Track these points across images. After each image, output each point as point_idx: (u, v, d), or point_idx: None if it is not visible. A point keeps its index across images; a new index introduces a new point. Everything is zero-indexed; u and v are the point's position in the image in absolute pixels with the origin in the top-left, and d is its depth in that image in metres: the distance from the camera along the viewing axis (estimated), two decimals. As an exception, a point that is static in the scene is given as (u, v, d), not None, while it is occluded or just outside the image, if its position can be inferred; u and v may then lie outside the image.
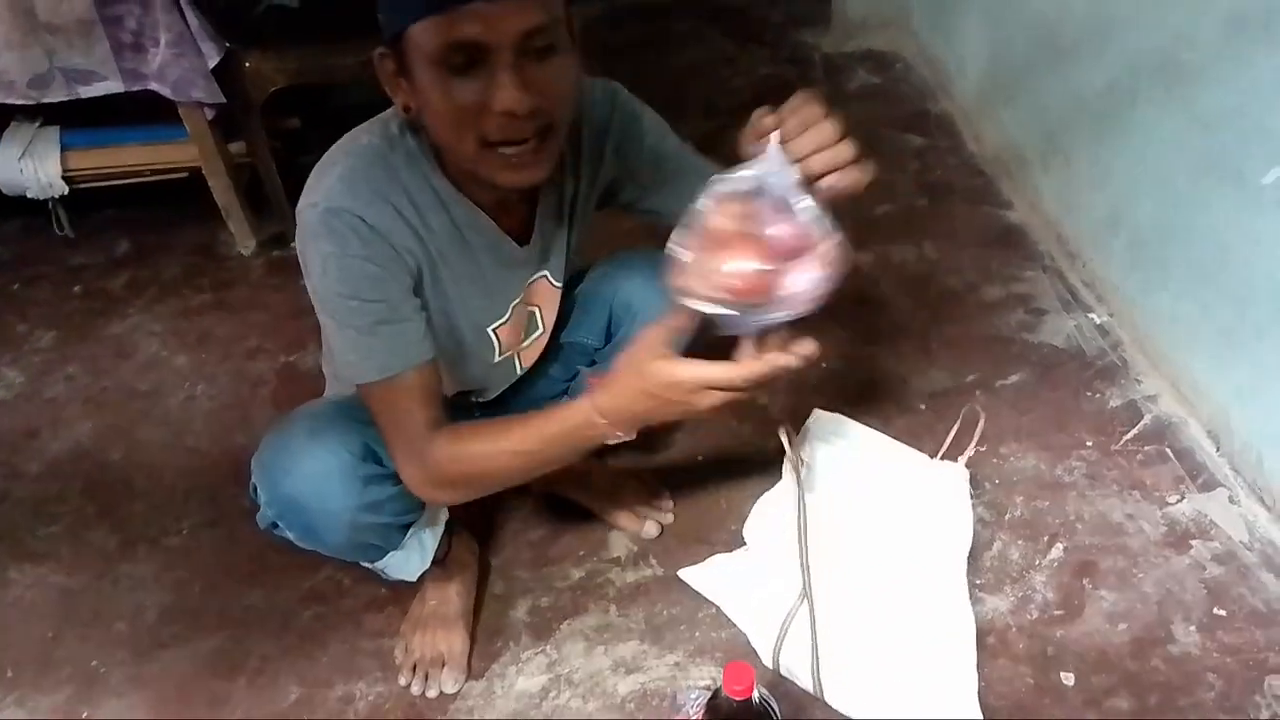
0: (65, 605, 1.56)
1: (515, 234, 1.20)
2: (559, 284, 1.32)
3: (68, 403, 1.96)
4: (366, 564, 1.34)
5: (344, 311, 1.07)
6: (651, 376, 0.98)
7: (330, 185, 1.04)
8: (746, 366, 0.96)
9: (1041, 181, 2.18)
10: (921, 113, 2.69)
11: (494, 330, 1.27)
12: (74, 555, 1.64)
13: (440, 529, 1.37)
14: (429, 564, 1.36)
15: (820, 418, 1.53)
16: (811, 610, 1.29)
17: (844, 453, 1.48)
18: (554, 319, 1.37)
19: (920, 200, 2.33)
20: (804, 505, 1.33)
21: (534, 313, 1.33)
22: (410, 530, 1.31)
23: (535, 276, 1.28)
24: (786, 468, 1.41)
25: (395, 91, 1.04)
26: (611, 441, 1.07)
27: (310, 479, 1.15)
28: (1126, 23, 1.76)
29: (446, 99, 0.97)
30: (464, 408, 1.41)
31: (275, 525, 1.23)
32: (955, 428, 1.46)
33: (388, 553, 1.31)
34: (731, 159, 0.95)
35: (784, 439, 1.28)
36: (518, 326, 1.31)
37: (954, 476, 1.41)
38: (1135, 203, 1.80)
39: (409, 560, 1.34)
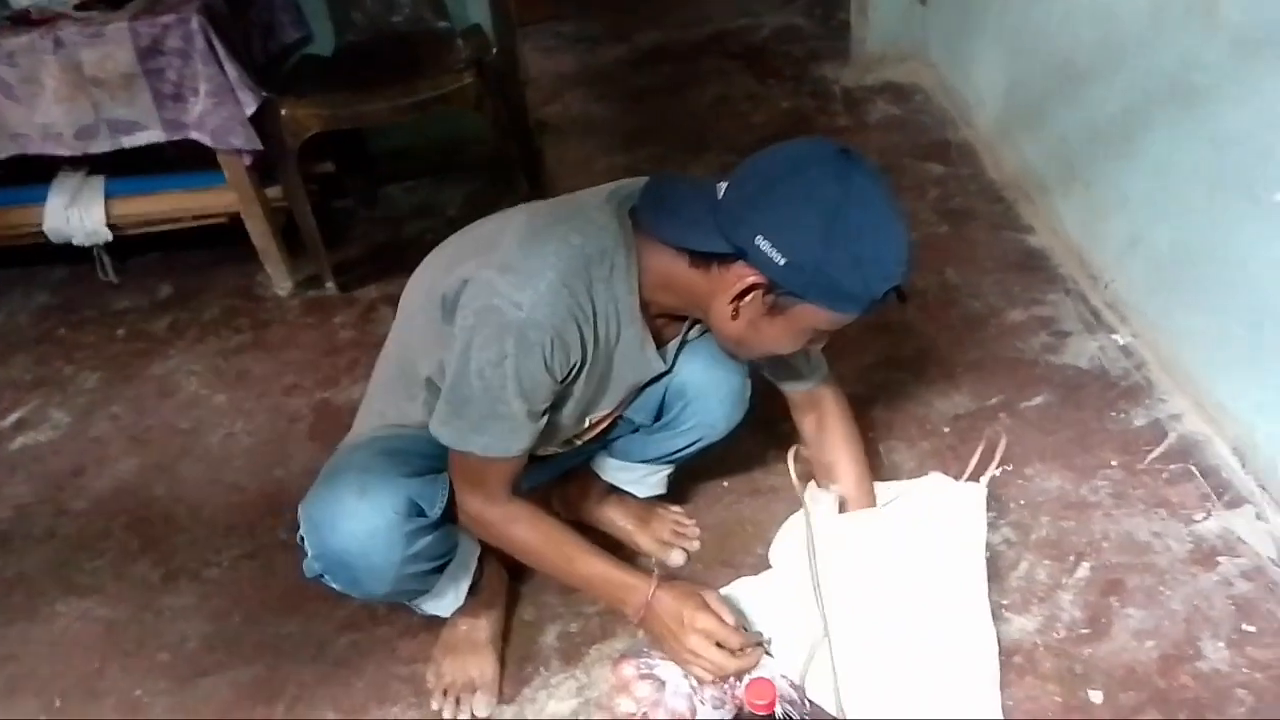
0: (110, 637, 1.61)
1: (660, 346, 1.27)
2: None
3: (112, 441, 2.02)
4: (403, 602, 1.38)
5: (490, 394, 1.12)
6: (688, 623, 1.23)
7: (539, 295, 1.08)
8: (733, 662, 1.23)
9: (1061, 206, 2.19)
10: (941, 141, 2.73)
11: (592, 418, 1.32)
12: (118, 588, 1.69)
13: (473, 567, 1.40)
14: (462, 601, 1.39)
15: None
16: (827, 633, 1.30)
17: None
18: None
19: (941, 227, 2.35)
20: (812, 531, 1.34)
21: None
22: (446, 571, 1.34)
23: (652, 378, 1.33)
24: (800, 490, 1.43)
25: (733, 306, 1.11)
26: (628, 617, 1.29)
27: (357, 537, 1.19)
28: (1136, 48, 1.79)
29: (780, 346, 1.17)
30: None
31: (321, 576, 1.26)
32: (979, 451, 1.47)
33: (424, 593, 1.34)
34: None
35: (790, 466, 1.34)
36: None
37: (970, 495, 1.42)
38: (1154, 225, 1.82)
39: (443, 598, 1.37)
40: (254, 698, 1.48)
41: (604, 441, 1.53)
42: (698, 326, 1.32)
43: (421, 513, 1.23)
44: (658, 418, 1.47)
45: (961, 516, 1.39)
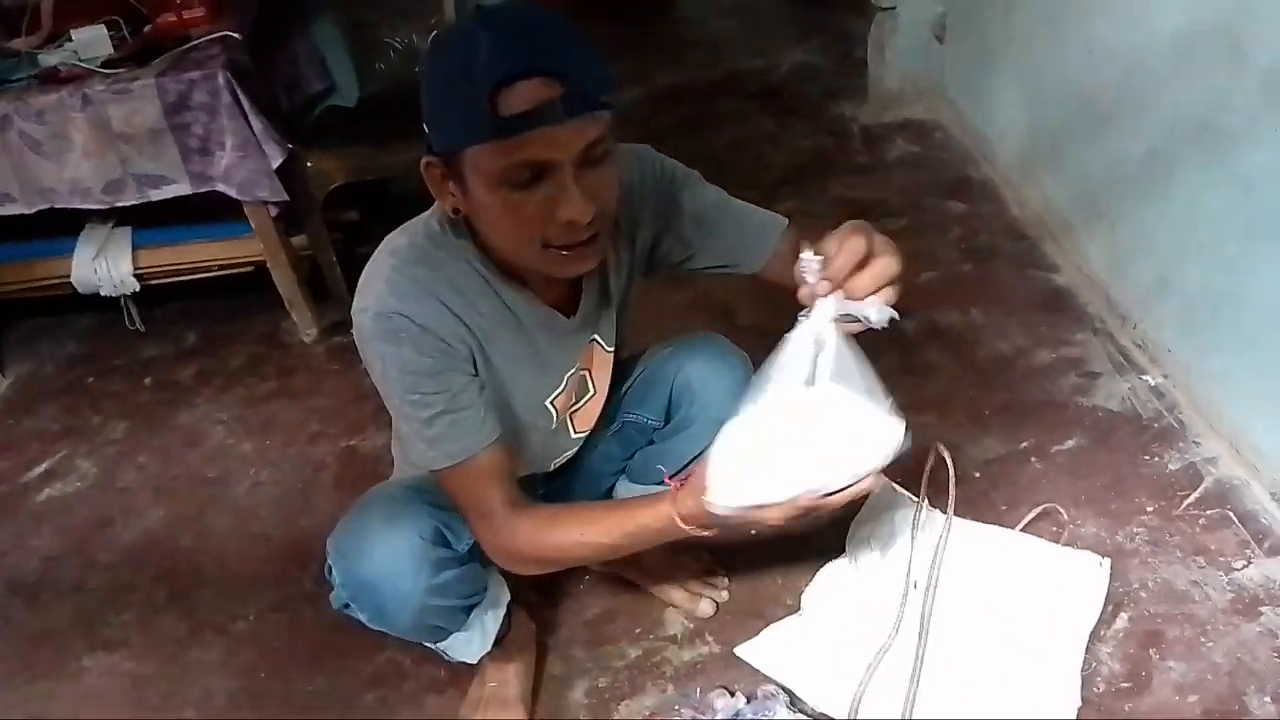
0: (136, 692, 1.60)
1: (562, 305, 1.25)
2: (610, 348, 1.36)
3: (139, 492, 2.03)
4: (430, 644, 1.37)
5: (408, 406, 1.13)
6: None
7: (378, 289, 1.11)
8: None
9: (1087, 245, 2.18)
10: (962, 179, 2.72)
11: (550, 402, 1.31)
12: (145, 642, 1.69)
13: (502, 611, 1.39)
14: (490, 645, 1.38)
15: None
16: (918, 667, 1.28)
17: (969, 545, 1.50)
18: (607, 383, 1.40)
19: (964, 265, 2.34)
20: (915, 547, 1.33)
21: (585, 377, 1.36)
22: (474, 612, 1.33)
23: (586, 342, 1.32)
24: (852, 540, 1.43)
25: (443, 196, 1.09)
26: (694, 537, 1.13)
27: (383, 563, 1.19)
28: (1161, 88, 1.78)
29: (509, 212, 1.03)
30: (527, 488, 1.45)
31: (347, 606, 1.27)
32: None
33: (451, 634, 1.33)
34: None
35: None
36: (570, 393, 1.34)
37: (1090, 565, 1.42)
38: (1183, 265, 1.80)
39: (471, 642, 1.36)
40: (281, 756, 1.47)
41: (625, 457, 1.53)
42: (614, 276, 1.29)
43: (448, 544, 1.23)
44: (667, 421, 1.48)
45: (1077, 583, 1.41)
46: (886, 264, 0.97)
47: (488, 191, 1.02)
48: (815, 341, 0.98)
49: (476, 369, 1.18)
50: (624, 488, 1.58)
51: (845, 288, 0.97)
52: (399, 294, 1.10)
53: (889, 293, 0.98)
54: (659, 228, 1.31)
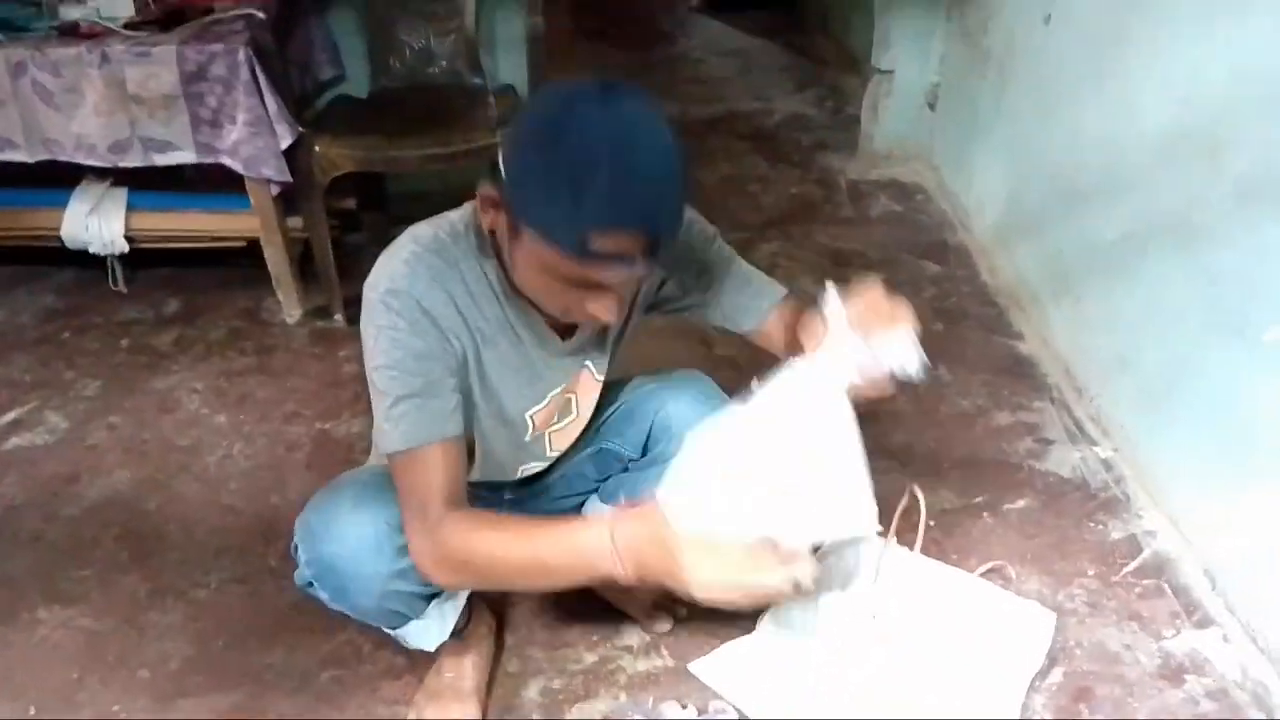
0: (91, 648, 1.60)
1: (560, 328, 1.28)
2: (600, 377, 1.41)
3: (108, 451, 2.03)
4: (389, 629, 1.39)
5: (384, 381, 1.15)
6: (673, 529, 1.08)
7: (394, 269, 1.14)
8: None
9: (1053, 317, 2.29)
10: (939, 242, 2.83)
11: (530, 415, 1.35)
12: (103, 600, 1.69)
13: (461, 602, 1.42)
14: (447, 635, 1.41)
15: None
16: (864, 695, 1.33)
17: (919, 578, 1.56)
18: (591, 408, 1.44)
19: (936, 324, 2.44)
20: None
21: (570, 399, 1.40)
22: (434, 601, 1.36)
23: (578, 368, 1.37)
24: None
25: (486, 215, 1.11)
26: (616, 577, 1.10)
27: (348, 545, 1.22)
28: (1141, 181, 1.89)
29: (545, 287, 1.10)
30: (494, 499, 1.49)
31: (310, 585, 1.29)
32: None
33: (410, 620, 1.36)
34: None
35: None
36: (552, 411, 1.38)
37: (1039, 616, 1.49)
38: (1142, 347, 1.90)
39: (428, 630, 1.39)
40: (233, 725, 1.48)
41: (599, 479, 1.57)
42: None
43: None
44: (644, 453, 1.52)
45: (1028, 635, 1.47)
46: (908, 313, 1.02)
47: (535, 267, 1.07)
48: (826, 380, 0.98)
49: (465, 368, 1.21)
50: (593, 505, 1.61)
51: (868, 329, 1.00)
52: (412, 276, 1.14)
53: (912, 341, 1.01)
54: (669, 272, 1.36)
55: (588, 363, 1.37)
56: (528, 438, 1.38)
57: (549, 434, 1.41)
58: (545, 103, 1.07)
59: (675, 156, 1.02)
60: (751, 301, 1.37)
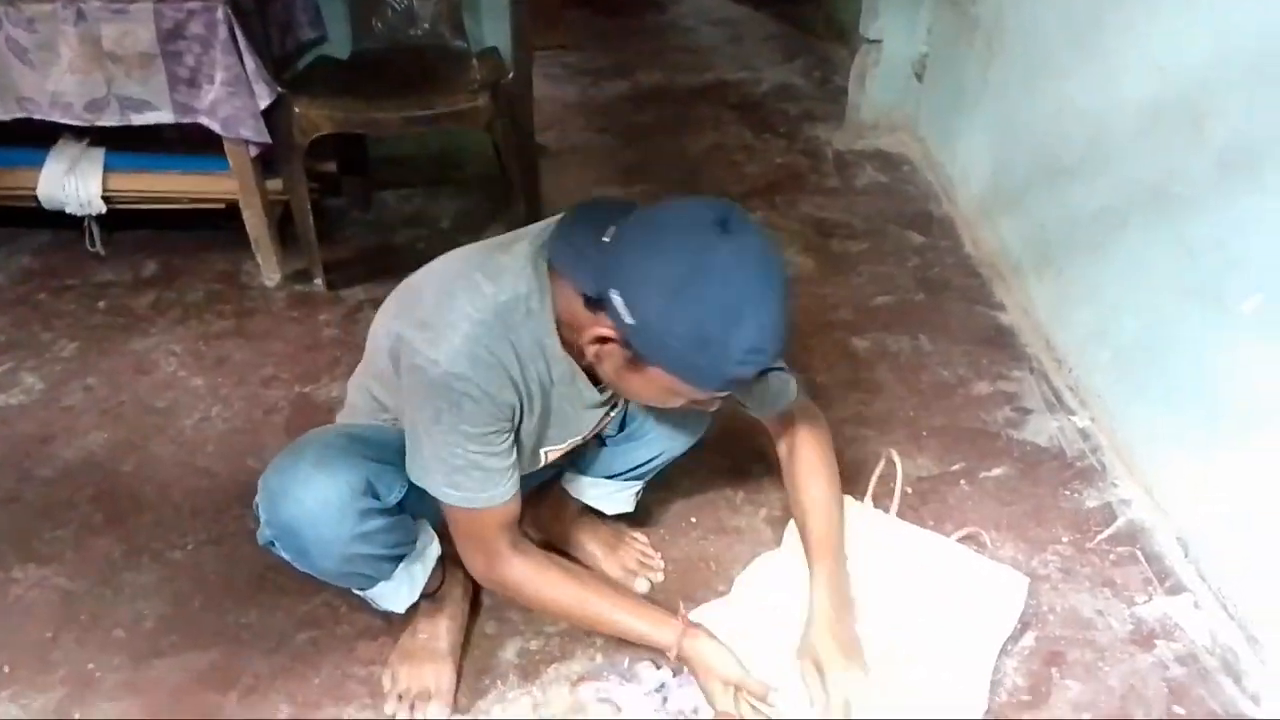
0: (66, 608, 1.60)
1: (595, 376, 1.26)
2: (615, 413, 1.42)
3: (84, 412, 2.01)
4: (357, 591, 1.39)
5: (446, 449, 1.17)
6: (719, 668, 1.32)
7: (454, 348, 1.11)
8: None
9: (1034, 288, 2.29)
10: (924, 213, 2.83)
11: (545, 452, 1.36)
12: (78, 560, 1.68)
13: (431, 564, 1.42)
14: (417, 597, 1.41)
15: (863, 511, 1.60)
16: None
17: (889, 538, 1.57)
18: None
19: (918, 294, 2.44)
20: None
21: (584, 440, 1.43)
22: (401, 563, 1.36)
23: (605, 412, 1.37)
24: (791, 533, 1.50)
25: (591, 350, 1.12)
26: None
27: (308, 506, 1.21)
28: (1123, 155, 1.89)
29: (658, 401, 1.19)
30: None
31: (272, 544, 1.28)
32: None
33: (378, 582, 1.36)
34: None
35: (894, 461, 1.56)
36: (568, 449, 1.40)
37: (1013, 580, 1.51)
38: (1121, 318, 1.91)
39: (398, 592, 1.39)
40: (208, 684, 1.48)
41: (572, 459, 1.58)
42: None
43: (377, 495, 1.25)
44: (621, 428, 1.54)
45: (1001, 599, 1.49)
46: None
47: (658, 390, 1.13)
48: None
49: (513, 423, 1.21)
50: (572, 478, 1.63)
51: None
52: (472, 360, 1.12)
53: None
54: None
55: (613, 410, 1.39)
56: (534, 467, 1.39)
57: (546, 455, 1.41)
58: (664, 243, 1.03)
59: (786, 278, 1.08)
60: (771, 397, 1.43)
